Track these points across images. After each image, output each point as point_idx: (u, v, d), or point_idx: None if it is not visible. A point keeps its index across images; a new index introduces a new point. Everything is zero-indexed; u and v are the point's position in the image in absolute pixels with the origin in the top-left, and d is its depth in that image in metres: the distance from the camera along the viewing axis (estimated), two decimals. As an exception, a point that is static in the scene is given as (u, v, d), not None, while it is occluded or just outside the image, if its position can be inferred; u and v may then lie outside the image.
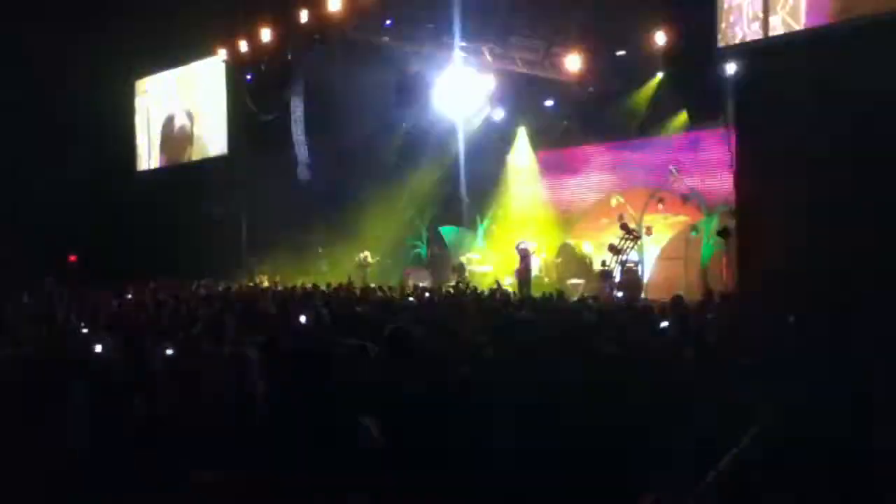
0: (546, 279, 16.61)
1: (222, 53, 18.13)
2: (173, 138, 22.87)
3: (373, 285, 14.65)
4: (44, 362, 4.62)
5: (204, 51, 19.14)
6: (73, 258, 21.75)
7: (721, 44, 10.66)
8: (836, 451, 2.57)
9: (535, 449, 3.15)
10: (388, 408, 3.14)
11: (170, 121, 22.88)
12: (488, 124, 18.57)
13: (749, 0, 10.30)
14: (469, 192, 19.52)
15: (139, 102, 23.72)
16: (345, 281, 15.17)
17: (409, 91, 14.93)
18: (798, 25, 9.83)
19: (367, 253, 18.99)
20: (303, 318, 8.45)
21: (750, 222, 10.89)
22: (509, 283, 16.32)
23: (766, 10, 10.12)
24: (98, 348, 5.58)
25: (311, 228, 19.99)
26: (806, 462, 2.43)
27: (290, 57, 16.42)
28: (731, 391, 3.95)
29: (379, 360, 4.20)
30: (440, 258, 19.56)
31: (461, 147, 18.60)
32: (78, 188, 20.06)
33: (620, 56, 14.48)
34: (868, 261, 8.77)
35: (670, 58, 12.10)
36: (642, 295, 14.32)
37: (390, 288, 13.54)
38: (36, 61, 18.90)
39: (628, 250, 14.43)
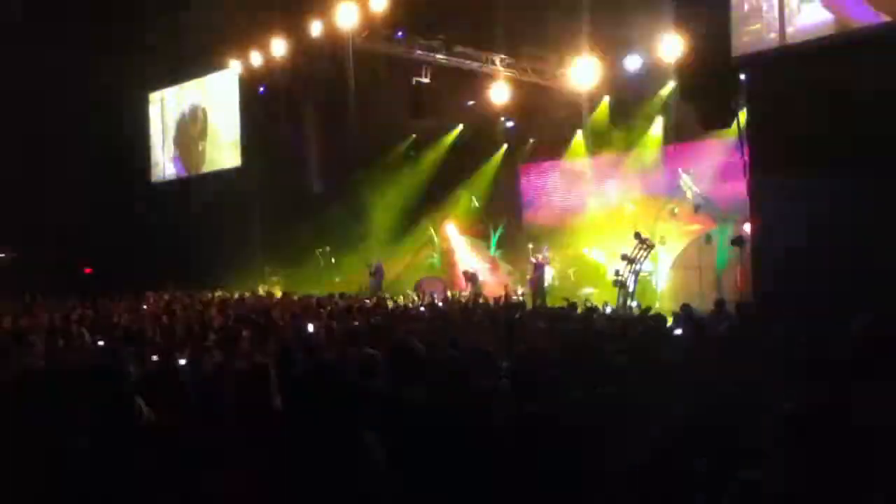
0: (559, 289, 16.55)
1: (235, 66, 18.28)
2: (187, 149, 23.04)
3: (386, 295, 14.68)
4: (59, 374, 4.65)
5: (217, 63, 19.31)
6: (88, 270, 21.87)
7: (735, 52, 10.60)
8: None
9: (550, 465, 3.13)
10: (394, 421, 3.13)
11: (184, 132, 23.06)
12: (501, 134, 18.60)
13: (764, 8, 10.25)
14: (482, 201, 19.54)
15: (154, 114, 23.93)
16: (356, 290, 15.21)
17: (421, 101, 14.97)
18: (812, 33, 9.78)
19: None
20: (311, 327, 8.47)
21: (764, 231, 10.80)
22: (522, 292, 16.28)
23: (782, 18, 10.07)
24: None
25: (324, 238, 20.07)
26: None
27: (302, 69, 16.52)
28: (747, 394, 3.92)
29: (386, 372, 4.18)
30: (452, 268, 19.58)
31: (473, 156, 18.63)
32: (93, 199, 20.23)
33: (632, 65, 14.50)
34: (884, 267, 8.69)
35: (683, 67, 12.03)
36: (656, 304, 14.23)
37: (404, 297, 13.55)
38: (50, 73, 19.10)
39: (642, 259, 14.35)
